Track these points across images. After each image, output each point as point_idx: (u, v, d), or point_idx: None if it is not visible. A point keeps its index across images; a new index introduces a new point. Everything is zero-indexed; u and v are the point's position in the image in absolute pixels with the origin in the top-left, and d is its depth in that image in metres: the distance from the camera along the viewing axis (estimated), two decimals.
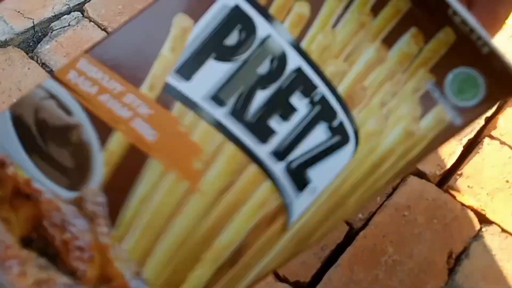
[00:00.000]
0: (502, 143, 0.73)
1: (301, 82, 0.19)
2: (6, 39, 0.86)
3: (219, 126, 0.20)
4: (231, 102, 0.20)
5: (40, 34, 0.88)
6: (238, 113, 0.20)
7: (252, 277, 0.19)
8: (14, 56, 0.84)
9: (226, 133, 0.20)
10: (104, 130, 0.20)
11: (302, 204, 0.19)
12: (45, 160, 0.21)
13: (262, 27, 0.20)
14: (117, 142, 0.20)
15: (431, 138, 0.18)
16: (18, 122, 0.21)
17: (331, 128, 0.19)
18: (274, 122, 0.20)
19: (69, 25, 0.89)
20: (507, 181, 0.70)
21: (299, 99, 0.19)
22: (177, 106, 0.20)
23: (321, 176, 0.19)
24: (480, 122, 0.77)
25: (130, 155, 0.20)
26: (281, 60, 0.20)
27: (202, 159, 0.19)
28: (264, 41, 0.20)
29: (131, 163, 0.20)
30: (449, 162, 0.72)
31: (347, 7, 0.19)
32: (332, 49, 0.19)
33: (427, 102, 0.18)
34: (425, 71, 0.18)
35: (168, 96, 0.20)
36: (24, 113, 0.21)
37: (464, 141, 0.75)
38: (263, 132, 0.20)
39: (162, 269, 0.19)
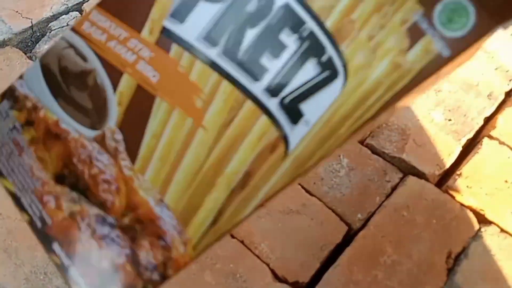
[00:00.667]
0: (501, 143, 0.73)
1: (289, 18, 0.20)
2: (4, 39, 0.86)
3: (214, 66, 0.21)
4: (223, 41, 0.21)
5: (38, 34, 0.88)
6: (230, 52, 0.21)
7: (261, 197, 0.22)
8: (12, 56, 0.83)
9: (221, 72, 0.21)
10: (114, 73, 0.22)
11: (297, 135, 0.21)
12: (69, 103, 0.23)
13: None
14: (126, 84, 0.22)
15: (419, 69, 0.19)
16: (45, 70, 0.23)
17: (320, 63, 0.20)
18: (265, 60, 0.21)
19: (67, 25, 0.89)
20: (506, 181, 0.70)
21: (288, 36, 0.20)
22: (175, 48, 0.22)
23: (313, 109, 0.20)
24: (479, 122, 0.77)
25: (138, 95, 0.22)
26: None
27: (202, 98, 0.21)
28: None
29: (140, 103, 0.22)
30: (448, 162, 0.72)
31: None
32: None
33: (414, 34, 0.18)
34: (413, 2, 0.18)
35: (166, 39, 0.22)
36: (50, 62, 0.23)
37: (463, 141, 0.75)
38: (255, 70, 0.21)
39: (181, 195, 0.22)
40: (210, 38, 0.21)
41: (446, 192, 0.69)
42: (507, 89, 0.80)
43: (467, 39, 0.18)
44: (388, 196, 0.69)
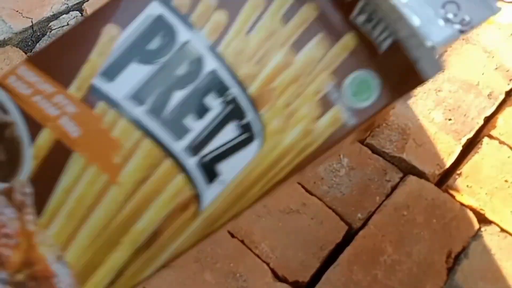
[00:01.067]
0: (501, 142, 0.73)
1: (215, 83, 0.21)
2: (4, 38, 0.86)
3: (138, 123, 0.22)
4: (150, 101, 0.22)
5: (38, 34, 0.88)
6: (156, 111, 0.22)
7: (165, 257, 0.22)
8: (12, 55, 0.84)
9: (144, 130, 0.22)
10: (34, 126, 0.22)
11: (211, 194, 0.21)
12: None
13: (182, 33, 0.21)
14: (45, 138, 0.22)
15: (327, 136, 0.20)
16: None
17: (240, 126, 0.21)
18: (189, 120, 0.21)
19: (67, 24, 0.89)
20: (506, 181, 0.70)
21: (213, 99, 0.21)
22: (100, 105, 0.22)
23: (230, 169, 0.21)
24: (479, 121, 0.77)
25: (56, 150, 0.22)
26: (198, 63, 0.21)
27: (121, 154, 0.22)
28: (183, 45, 0.22)
29: (57, 157, 0.22)
30: (448, 162, 0.72)
31: (261, 15, 0.21)
32: (246, 53, 0.21)
33: (326, 103, 0.20)
34: (327, 74, 0.20)
35: (93, 96, 0.22)
36: None
37: (463, 140, 0.75)
38: (178, 129, 0.21)
39: (83, 252, 0.22)
40: (137, 97, 0.22)
41: (446, 191, 0.69)
42: (507, 88, 0.80)
43: (371, 110, 0.20)
44: (388, 195, 0.69)
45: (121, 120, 0.22)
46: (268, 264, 0.63)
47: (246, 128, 0.21)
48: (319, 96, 0.20)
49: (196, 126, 0.21)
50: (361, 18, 0.20)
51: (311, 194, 0.69)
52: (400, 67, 0.19)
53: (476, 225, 0.66)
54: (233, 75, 0.21)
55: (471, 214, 0.67)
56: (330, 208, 0.68)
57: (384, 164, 0.73)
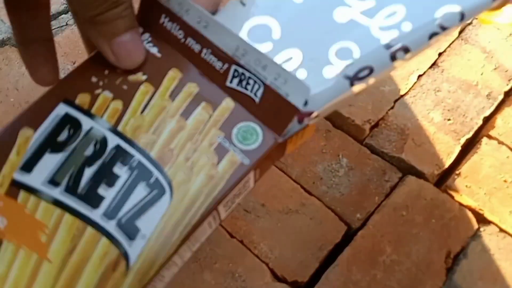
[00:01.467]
0: (500, 142, 0.73)
1: (120, 155, 0.25)
2: (3, 38, 0.86)
3: (57, 203, 0.25)
4: (64, 181, 0.25)
5: None
6: (71, 189, 0.25)
7: None
8: (11, 55, 0.83)
9: (63, 207, 0.25)
10: None
11: (136, 250, 0.24)
12: None
13: (86, 122, 0.26)
14: None
15: (228, 176, 0.25)
16: None
17: (149, 185, 0.25)
18: (102, 190, 0.25)
19: (66, 24, 0.89)
20: (505, 181, 0.70)
21: (120, 168, 0.25)
22: (22, 194, 0.25)
23: (147, 224, 0.24)
24: (478, 121, 0.77)
25: None
26: (103, 142, 0.25)
27: (46, 233, 0.24)
28: (88, 132, 0.26)
29: None
30: (447, 162, 0.73)
31: (151, 98, 0.26)
32: (143, 127, 0.26)
33: (221, 151, 0.25)
34: (215, 130, 0.25)
35: (14, 188, 0.25)
36: None
37: (462, 141, 0.75)
38: (93, 200, 0.25)
39: None
40: (53, 181, 0.25)
41: (445, 191, 0.70)
42: (506, 89, 0.80)
43: (262, 149, 0.25)
44: (387, 195, 0.69)
45: (42, 203, 0.25)
46: (267, 264, 0.63)
47: (155, 185, 0.25)
48: (213, 147, 0.25)
49: (109, 194, 0.25)
50: (235, 82, 0.25)
51: (310, 194, 0.69)
52: (276, 107, 0.24)
53: (475, 225, 0.66)
54: (134, 146, 0.25)
55: (470, 214, 0.67)
56: (329, 208, 0.68)
57: (383, 164, 0.73)
